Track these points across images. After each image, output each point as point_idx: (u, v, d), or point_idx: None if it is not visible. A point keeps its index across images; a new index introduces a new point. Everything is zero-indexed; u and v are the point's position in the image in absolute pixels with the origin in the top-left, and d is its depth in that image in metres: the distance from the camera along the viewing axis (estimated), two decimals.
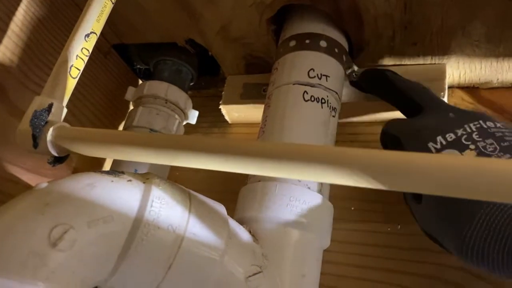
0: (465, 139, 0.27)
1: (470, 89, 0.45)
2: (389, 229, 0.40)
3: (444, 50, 0.41)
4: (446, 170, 0.19)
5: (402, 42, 0.41)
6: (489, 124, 0.29)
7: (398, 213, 0.40)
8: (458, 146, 0.27)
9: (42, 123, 0.30)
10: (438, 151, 0.28)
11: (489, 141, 0.27)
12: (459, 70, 0.43)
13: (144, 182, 0.26)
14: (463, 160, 0.19)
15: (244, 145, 0.24)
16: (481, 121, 0.28)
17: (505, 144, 0.27)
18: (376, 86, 0.41)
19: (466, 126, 0.28)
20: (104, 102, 0.54)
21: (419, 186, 0.20)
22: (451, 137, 0.28)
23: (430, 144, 0.28)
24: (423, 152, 0.27)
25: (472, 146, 0.27)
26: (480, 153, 0.26)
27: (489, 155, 0.26)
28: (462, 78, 0.44)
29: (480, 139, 0.27)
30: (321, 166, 0.22)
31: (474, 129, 0.28)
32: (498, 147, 0.26)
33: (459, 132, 0.28)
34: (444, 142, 0.28)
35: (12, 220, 0.22)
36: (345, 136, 0.45)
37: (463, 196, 0.18)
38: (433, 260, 0.37)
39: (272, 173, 0.24)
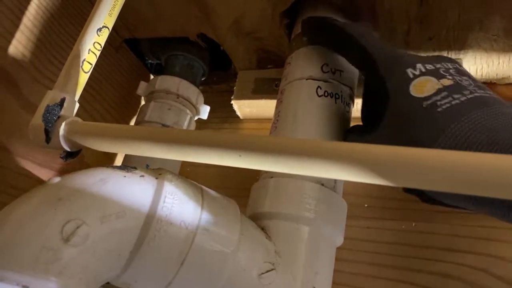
0: (443, 71, 0.28)
1: (487, 84, 0.44)
2: (403, 226, 0.40)
3: (460, 44, 0.40)
4: (454, 166, 0.18)
5: (418, 36, 0.41)
6: (464, 68, 0.30)
7: (412, 210, 0.40)
8: (436, 75, 0.28)
9: (55, 118, 0.30)
10: (415, 76, 0.28)
11: (465, 77, 0.28)
12: (475, 65, 0.42)
13: (156, 178, 0.26)
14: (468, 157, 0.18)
15: (257, 141, 0.24)
16: (457, 65, 0.30)
17: (478, 83, 0.28)
18: (324, 35, 0.37)
19: (443, 63, 0.29)
20: (115, 97, 0.54)
21: (434, 183, 0.19)
22: (430, 67, 0.29)
23: (409, 70, 0.29)
24: (399, 78, 0.29)
25: (449, 77, 0.28)
26: (456, 84, 0.27)
27: (464, 87, 0.27)
28: (479, 73, 0.43)
29: (457, 75, 0.28)
30: (335, 162, 0.22)
31: (451, 67, 0.29)
32: (472, 84, 0.27)
33: (438, 65, 0.29)
34: (423, 70, 0.29)
35: (25, 214, 0.22)
36: None
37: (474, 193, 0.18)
38: (449, 259, 0.37)
39: (285, 170, 0.23)
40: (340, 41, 0.35)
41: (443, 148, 0.24)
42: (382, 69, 0.30)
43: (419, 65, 0.29)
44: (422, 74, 0.28)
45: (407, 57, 0.30)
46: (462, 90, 0.26)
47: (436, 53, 0.42)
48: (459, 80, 0.27)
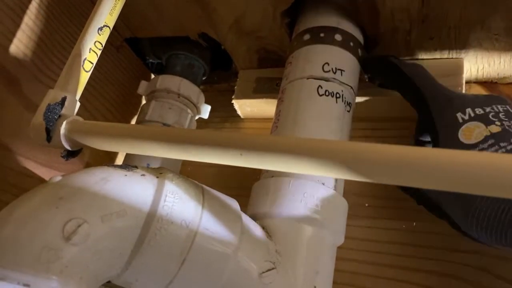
0: (492, 116, 0.29)
1: (488, 84, 0.44)
2: (404, 226, 0.40)
3: (462, 44, 0.40)
4: (441, 163, 0.18)
5: (419, 36, 0.41)
6: None
7: (413, 210, 0.40)
8: (485, 120, 0.29)
9: (56, 117, 0.30)
10: (464, 121, 0.29)
11: None
12: (477, 64, 0.42)
13: (157, 177, 0.26)
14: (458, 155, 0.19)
15: (258, 140, 0.24)
16: (508, 106, 0.30)
17: None
18: (382, 73, 0.40)
19: (494, 106, 0.30)
20: (116, 96, 0.54)
21: (429, 181, 0.19)
22: (479, 111, 0.29)
23: (459, 114, 0.30)
24: (449, 122, 0.30)
25: (497, 123, 0.28)
26: (504, 130, 0.28)
27: None
28: (480, 72, 0.43)
29: (506, 119, 0.29)
30: (335, 162, 0.22)
31: (501, 110, 0.29)
32: None
33: (488, 109, 0.30)
34: (472, 114, 0.29)
35: (26, 213, 0.22)
36: (360, 131, 0.45)
37: (464, 191, 0.18)
38: (449, 258, 0.37)
39: (286, 169, 0.23)
40: (397, 79, 0.37)
41: (485, 200, 0.26)
42: (434, 111, 0.31)
43: (468, 110, 0.30)
44: (471, 119, 0.29)
45: (458, 100, 0.31)
46: (510, 137, 0.27)
47: (437, 53, 0.42)
48: (508, 126, 0.28)
